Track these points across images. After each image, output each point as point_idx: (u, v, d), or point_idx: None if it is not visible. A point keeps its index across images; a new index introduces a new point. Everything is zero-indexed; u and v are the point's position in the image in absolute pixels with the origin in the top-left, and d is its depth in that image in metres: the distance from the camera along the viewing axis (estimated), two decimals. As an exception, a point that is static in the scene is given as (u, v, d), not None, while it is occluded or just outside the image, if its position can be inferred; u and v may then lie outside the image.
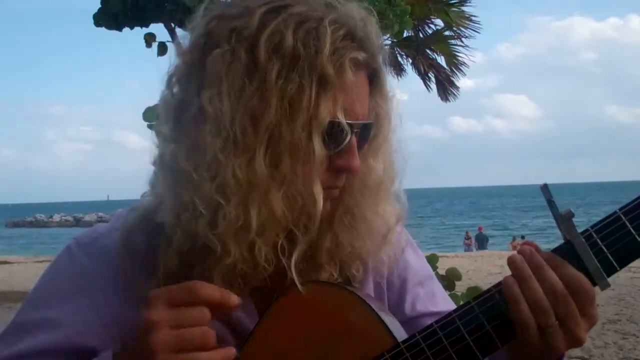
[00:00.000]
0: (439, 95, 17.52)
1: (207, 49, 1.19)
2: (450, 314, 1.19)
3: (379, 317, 1.22)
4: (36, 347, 1.24)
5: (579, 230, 1.13)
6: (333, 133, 1.19)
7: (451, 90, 17.48)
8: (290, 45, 1.15)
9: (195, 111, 1.18)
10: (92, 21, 6.91)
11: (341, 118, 1.18)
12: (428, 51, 17.17)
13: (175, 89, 1.25)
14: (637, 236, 1.10)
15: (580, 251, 1.12)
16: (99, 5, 6.88)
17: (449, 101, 17.69)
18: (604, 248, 1.12)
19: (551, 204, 1.15)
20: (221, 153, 1.15)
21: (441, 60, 17.13)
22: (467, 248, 32.35)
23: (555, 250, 1.16)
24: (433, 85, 17.51)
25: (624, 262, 1.12)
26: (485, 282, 11.88)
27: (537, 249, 1.18)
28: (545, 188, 1.15)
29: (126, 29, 6.84)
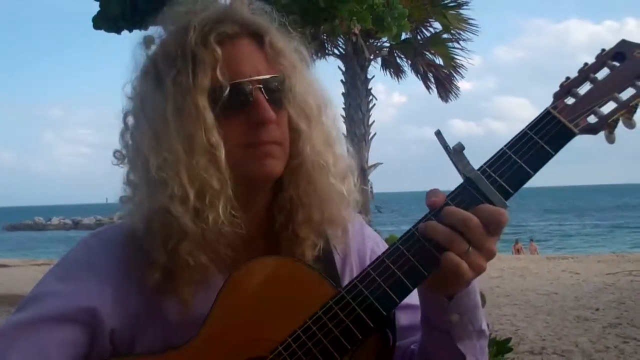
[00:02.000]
0: (439, 95, 17.58)
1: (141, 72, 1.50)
2: (380, 256, 1.34)
3: (322, 275, 1.40)
4: (45, 313, 1.37)
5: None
6: (231, 95, 1.40)
7: (451, 90, 17.54)
8: (172, 50, 1.43)
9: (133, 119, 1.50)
10: (91, 24, 6.93)
11: (223, 80, 1.39)
12: (427, 53, 17.23)
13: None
14: (522, 164, 1.31)
15: (479, 182, 1.31)
16: (98, 9, 6.89)
17: (450, 100, 17.76)
18: (497, 178, 1.32)
19: (447, 149, 1.35)
20: (150, 147, 1.40)
21: (440, 62, 17.17)
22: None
23: (458, 187, 1.33)
24: (433, 87, 17.60)
25: (515, 185, 1.32)
26: (485, 286, 11.90)
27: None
28: (439, 134, 1.36)
29: (125, 32, 6.85)
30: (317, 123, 1.52)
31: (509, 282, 14.04)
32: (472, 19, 16.45)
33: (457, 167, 1.34)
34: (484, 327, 1.45)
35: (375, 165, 15.16)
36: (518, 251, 29.21)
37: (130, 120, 1.49)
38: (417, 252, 1.32)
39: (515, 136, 1.34)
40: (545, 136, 1.33)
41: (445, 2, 16.16)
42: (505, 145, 1.33)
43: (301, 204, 1.50)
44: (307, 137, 1.49)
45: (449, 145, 1.35)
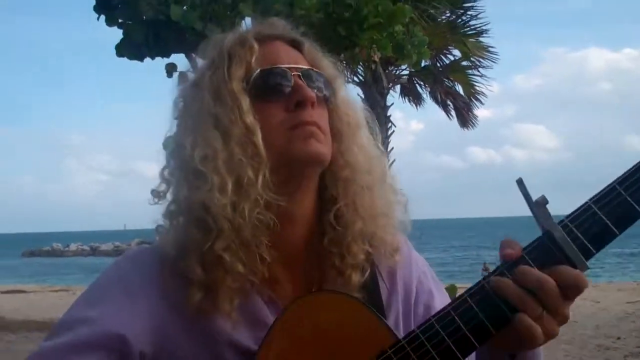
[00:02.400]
0: (458, 122, 17.58)
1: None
2: (445, 307, 1.26)
3: (381, 319, 1.31)
4: (74, 341, 1.33)
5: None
6: (268, 80, 1.40)
7: (469, 118, 17.55)
8: (210, 54, 1.48)
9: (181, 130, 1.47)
10: (114, 51, 6.99)
11: (258, 67, 1.41)
12: (446, 81, 17.28)
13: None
14: (608, 222, 1.21)
15: (559, 239, 1.22)
16: (121, 36, 6.97)
17: (468, 128, 17.75)
18: (579, 235, 1.22)
19: (528, 198, 1.24)
20: (190, 142, 1.39)
21: (459, 89, 17.22)
22: (485, 279, 32.13)
23: (536, 240, 1.24)
24: (450, 114, 17.61)
25: (599, 246, 1.22)
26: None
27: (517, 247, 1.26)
28: (520, 183, 1.25)
29: (147, 59, 6.92)
30: (359, 135, 1.50)
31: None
32: (491, 47, 16.53)
33: (537, 219, 1.25)
34: None
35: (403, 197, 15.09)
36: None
37: (174, 128, 1.49)
38: (486, 308, 1.23)
39: (603, 190, 1.24)
40: (636, 193, 1.22)
41: (465, 30, 16.24)
42: (590, 199, 1.23)
43: (355, 216, 1.44)
44: (350, 143, 1.46)
45: (531, 196, 1.24)
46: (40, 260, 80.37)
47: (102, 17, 7.06)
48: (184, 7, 5.96)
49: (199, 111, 1.41)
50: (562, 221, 1.23)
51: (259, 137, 1.36)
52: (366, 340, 1.29)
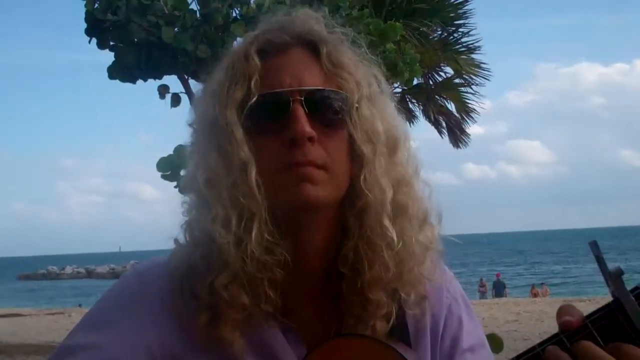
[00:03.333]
0: (450, 141, 17.58)
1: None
2: None
3: None
4: None
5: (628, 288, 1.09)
6: (263, 107, 1.25)
7: (462, 137, 17.55)
8: (219, 67, 1.36)
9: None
10: (106, 74, 7.00)
11: (255, 91, 1.25)
12: (438, 98, 17.31)
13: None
14: None
15: (630, 310, 1.07)
16: (113, 59, 6.97)
17: (460, 148, 17.76)
18: None
19: (600, 260, 1.11)
20: (196, 165, 1.31)
21: (451, 107, 17.25)
22: (482, 295, 32.05)
23: (604, 308, 1.10)
24: (443, 132, 17.62)
25: None
26: (502, 330, 11.71)
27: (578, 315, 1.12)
28: (594, 245, 1.11)
29: (139, 81, 6.92)
30: (386, 155, 1.30)
31: (526, 325, 13.84)
32: (484, 63, 16.57)
33: (608, 285, 1.11)
34: None
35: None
36: (535, 295, 28.92)
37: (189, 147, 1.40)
38: None
39: None
40: None
41: (457, 47, 16.30)
42: None
43: (369, 256, 1.27)
44: (372, 167, 1.27)
45: (604, 260, 1.10)
46: (36, 284, 80.00)
47: (94, 40, 7.08)
48: (176, 29, 5.98)
49: (202, 132, 1.32)
50: (636, 288, 1.08)
51: (252, 175, 1.23)
52: None
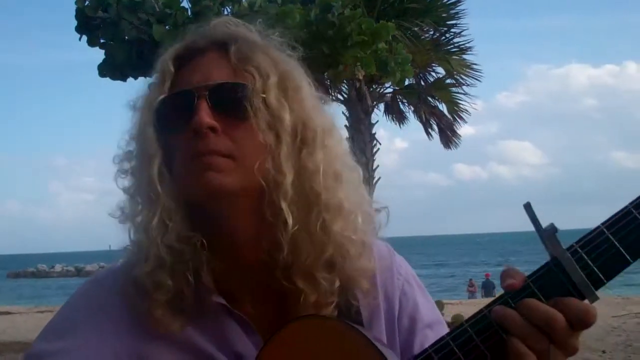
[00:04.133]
0: (441, 142, 17.65)
1: None
2: (443, 337, 1.18)
3: (377, 349, 1.22)
4: None
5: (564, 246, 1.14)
6: (173, 106, 1.31)
7: (453, 138, 17.61)
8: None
9: None
10: (97, 72, 6.99)
11: (167, 91, 1.33)
12: (430, 99, 17.36)
13: None
14: (621, 248, 1.11)
15: (567, 266, 1.12)
16: (104, 57, 6.97)
17: (451, 149, 17.82)
18: (589, 262, 1.12)
19: (535, 222, 1.15)
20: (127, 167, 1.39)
21: (443, 107, 17.30)
22: (471, 295, 32.13)
23: (542, 267, 1.15)
24: (434, 134, 17.69)
25: (610, 274, 1.12)
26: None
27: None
28: (528, 207, 1.15)
29: (130, 79, 6.91)
30: (290, 144, 1.32)
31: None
32: (475, 64, 16.63)
33: (544, 245, 1.15)
34: None
35: (379, 210, 15.10)
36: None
37: None
38: (488, 339, 1.15)
39: (616, 214, 1.13)
40: None
41: (449, 47, 16.35)
42: (602, 224, 1.13)
43: (279, 243, 1.30)
44: (275, 155, 1.29)
45: (539, 222, 1.15)
46: (26, 282, 79.70)
47: (84, 37, 7.07)
48: (167, 27, 5.97)
49: (128, 136, 1.40)
50: (571, 246, 1.13)
51: (154, 168, 1.30)
52: None
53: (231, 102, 1.30)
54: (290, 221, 1.28)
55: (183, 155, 1.29)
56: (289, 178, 1.29)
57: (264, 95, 1.32)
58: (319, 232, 1.31)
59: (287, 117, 1.32)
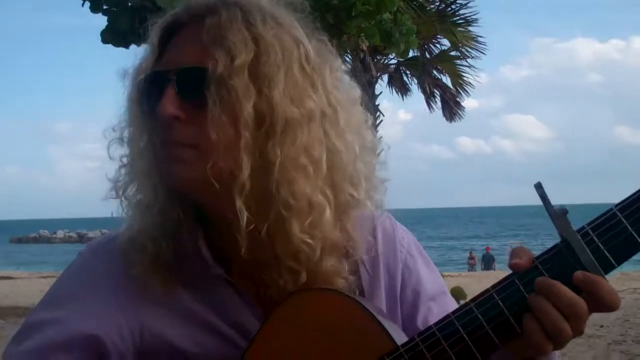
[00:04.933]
0: (444, 115, 17.59)
1: None
2: (448, 315, 1.17)
3: (379, 322, 1.22)
4: (43, 343, 1.28)
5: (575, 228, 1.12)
6: (148, 89, 1.26)
7: (456, 110, 17.56)
8: None
9: None
10: (99, 38, 6.96)
11: (144, 73, 1.27)
12: (434, 71, 17.27)
13: None
14: (633, 232, 1.09)
15: (577, 248, 1.10)
16: (106, 23, 6.93)
17: (454, 121, 17.78)
18: (600, 245, 1.10)
19: (545, 201, 1.13)
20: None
21: (446, 80, 17.23)
22: (471, 268, 32.30)
23: (552, 248, 1.14)
24: (437, 106, 17.63)
25: (620, 258, 1.11)
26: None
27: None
28: (539, 186, 1.14)
29: (133, 46, 6.88)
30: (253, 130, 1.21)
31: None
32: (480, 37, 16.53)
33: (555, 225, 1.13)
34: None
35: (383, 181, 15.15)
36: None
37: None
38: (494, 319, 1.14)
39: (630, 196, 1.11)
40: None
41: (454, 19, 16.24)
42: (616, 206, 1.10)
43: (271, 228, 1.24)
44: (235, 145, 1.20)
45: (550, 201, 1.13)
46: (28, 247, 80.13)
47: (87, 3, 7.03)
48: (171, -6, 5.94)
49: (125, 102, 1.35)
50: (582, 228, 1.11)
51: (141, 148, 1.29)
52: (364, 344, 1.22)
53: (193, 89, 1.21)
54: (243, 220, 1.21)
55: (156, 141, 1.25)
56: (245, 172, 1.21)
57: (230, 81, 1.20)
58: (275, 231, 1.24)
59: (248, 106, 1.21)
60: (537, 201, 1.15)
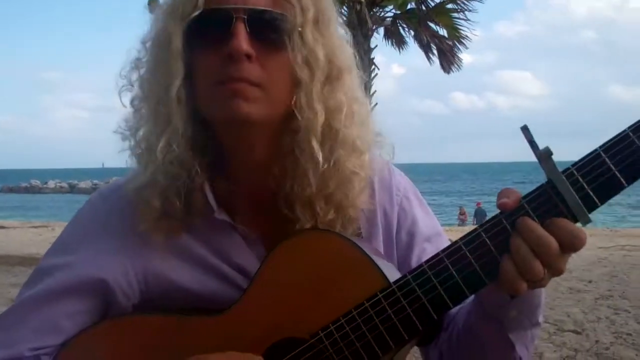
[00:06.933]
0: (442, 66, 17.44)
1: None
2: (438, 254, 1.22)
3: (372, 261, 1.27)
4: (54, 286, 1.36)
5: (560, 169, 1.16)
6: (208, 23, 1.27)
7: (454, 61, 17.42)
8: None
9: None
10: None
11: (202, 6, 1.27)
12: (430, 24, 17.10)
13: None
14: (616, 172, 1.12)
15: (561, 188, 1.14)
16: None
17: (452, 72, 17.64)
18: (584, 184, 1.14)
19: (532, 144, 1.16)
20: (138, 80, 1.39)
21: (443, 33, 17.06)
22: (462, 223, 32.48)
23: (538, 188, 1.17)
24: (434, 58, 17.49)
25: (604, 197, 1.14)
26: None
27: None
28: (525, 129, 1.16)
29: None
30: (323, 81, 1.32)
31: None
32: (477, -11, 16.32)
33: (541, 166, 1.16)
34: (541, 319, 1.34)
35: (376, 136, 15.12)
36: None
37: None
38: (481, 257, 1.19)
39: (614, 137, 1.13)
40: None
41: (451, -29, 16.02)
42: (600, 147, 1.13)
43: (292, 173, 1.34)
44: (307, 91, 1.30)
45: (536, 144, 1.15)
46: (19, 197, 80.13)
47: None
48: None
49: (145, 47, 1.38)
50: (567, 169, 1.15)
51: (174, 89, 1.28)
52: (359, 281, 1.26)
53: (270, 31, 1.28)
54: (319, 157, 1.30)
55: (212, 77, 1.27)
56: (320, 117, 1.30)
57: (300, 29, 1.30)
58: (331, 167, 1.33)
59: (321, 55, 1.31)
60: (532, 157, 1.17)
